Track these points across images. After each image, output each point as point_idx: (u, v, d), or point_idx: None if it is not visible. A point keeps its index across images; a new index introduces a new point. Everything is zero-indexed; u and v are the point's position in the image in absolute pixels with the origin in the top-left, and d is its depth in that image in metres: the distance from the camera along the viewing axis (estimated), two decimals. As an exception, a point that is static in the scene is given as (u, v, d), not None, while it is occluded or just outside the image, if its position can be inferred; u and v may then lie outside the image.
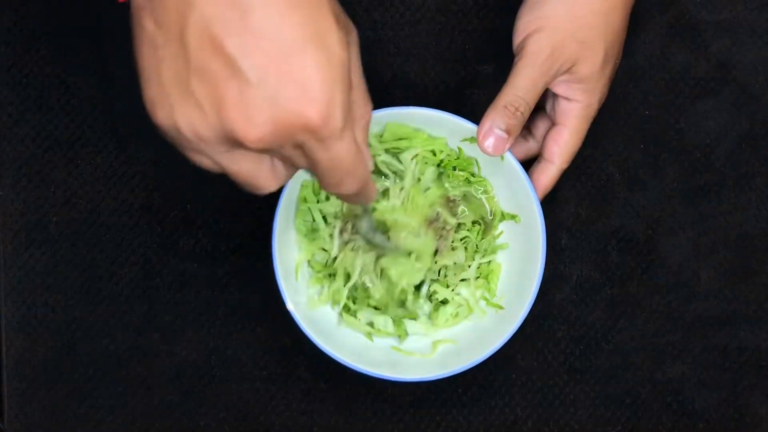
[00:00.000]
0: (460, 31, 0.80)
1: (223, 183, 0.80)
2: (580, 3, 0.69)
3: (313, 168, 0.52)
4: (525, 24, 0.70)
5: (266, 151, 0.50)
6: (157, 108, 0.50)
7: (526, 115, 0.69)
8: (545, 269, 0.72)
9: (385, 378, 0.71)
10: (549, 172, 0.73)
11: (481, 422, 0.80)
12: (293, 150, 0.51)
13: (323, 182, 0.53)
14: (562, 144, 0.72)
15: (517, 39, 0.70)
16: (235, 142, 0.49)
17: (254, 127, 0.48)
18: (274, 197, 0.71)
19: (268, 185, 0.55)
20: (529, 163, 0.74)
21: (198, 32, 0.47)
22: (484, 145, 0.69)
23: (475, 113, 0.74)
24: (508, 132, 0.69)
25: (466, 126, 0.72)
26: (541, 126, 0.75)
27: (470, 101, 0.80)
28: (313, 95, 0.48)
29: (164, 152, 0.79)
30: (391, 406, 0.79)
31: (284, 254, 0.72)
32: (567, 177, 0.75)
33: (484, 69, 0.80)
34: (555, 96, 0.72)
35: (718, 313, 0.80)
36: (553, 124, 0.73)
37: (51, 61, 0.79)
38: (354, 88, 0.52)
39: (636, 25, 0.73)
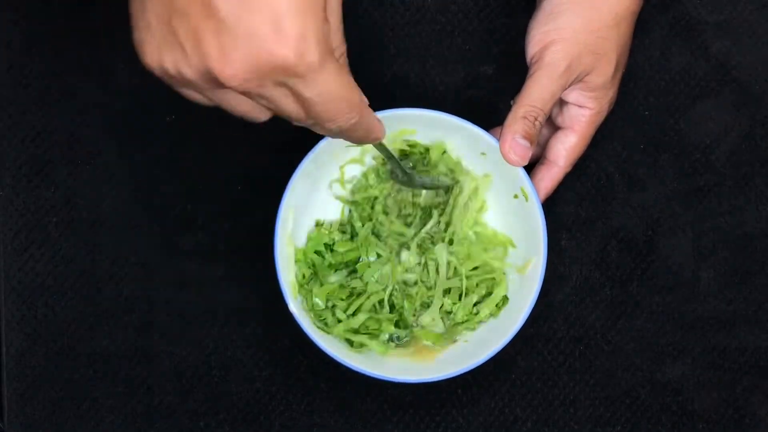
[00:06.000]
0: (460, 32, 0.80)
1: (223, 183, 0.80)
2: (594, 16, 0.70)
3: (306, 110, 0.53)
4: (541, 35, 0.70)
5: (249, 93, 0.51)
6: (145, 49, 0.52)
7: (543, 124, 0.70)
8: (545, 269, 0.72)
9: (385, 379, 0.71)
10: (552, 174, 0.74)
11: (481, 422, 0.80)
12: (277, 89, 0.51)
13: (321, 122, 0.54)
14: (569, 148, 0.73)
15: (532, 50, 0.71)
16: (216, 81, 0.51)
17: (230, 65, 0.49)
18: (276, 197, 0.71)
19: (260, 116, 0.56)
20: (529, 166, 0.74)
21: None
22: (510, 156, 0.69)
23: (474, 114, 0.74)
24: (529, 141, 0.69)
25: (467, 128, 0.72)
26: (543, 130, 0.75)
27: (470, 102, 0.80)
28: (285, 32, 0.49)
29: (164, 152, 0.79)
30: (391, 406, 0.79)
31: (285, 254, 0.72)
32: (567, 177, 0.75)
33: (484, 69, 0.80)
34: (564, 103, 0.73)
35: (718, 313, 0.80)
36: (557, 128, 0.74)
37: (51, 61, 0.79)
38: (330, 25, 0.53)
39: (636, 25, 0.73)
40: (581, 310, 0.80)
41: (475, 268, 0.76)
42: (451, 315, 0.75)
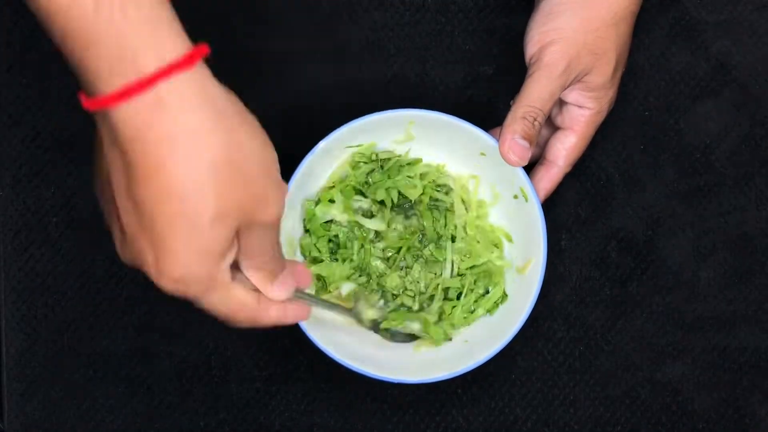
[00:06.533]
0: (460, 32, 0.80)
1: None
2: (593, 15, 0.70)
3: None
4: (540, 35, 0.70)
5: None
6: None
7: (542, 124, 0.70)
8: (545, 269, 0.72)
9: (385, 379, 0.71)
10: (552, 175, 0.74)
11: (481, 422, 0.80)
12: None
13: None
14: (569, 148, 0.73)
15: (531, 50, 0.71)
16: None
17: (163, 276, 0.54)
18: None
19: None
20: (529, 167, 0.74)
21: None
22: (509, 156, 0.70)
23: (474, 114, 0.74)
24: (529, 141, 0.69)
25: (466, 128, 0.72)
26: (543, 130, 0.75)
27: (470, 102, 0.80)
28: (164, 271, 0.54)
29: (164, 152, 0.79)
30: (391, 406, 0.79)
31: (284, 254, 0.72)
32: (567, 177, 0.75)
33: (484, 69, 0.80)
34: (564, 103, 0.73)
35: (718, 313, 0.80)
36: (556, 128, 0.74)
37: (51, 62, 0.79)
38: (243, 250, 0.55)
39: (636, 25, 0.73)
40: (581, 310, 0.80)
41: (473, 267, 0.76)
42: (449, 316, 0.76)
